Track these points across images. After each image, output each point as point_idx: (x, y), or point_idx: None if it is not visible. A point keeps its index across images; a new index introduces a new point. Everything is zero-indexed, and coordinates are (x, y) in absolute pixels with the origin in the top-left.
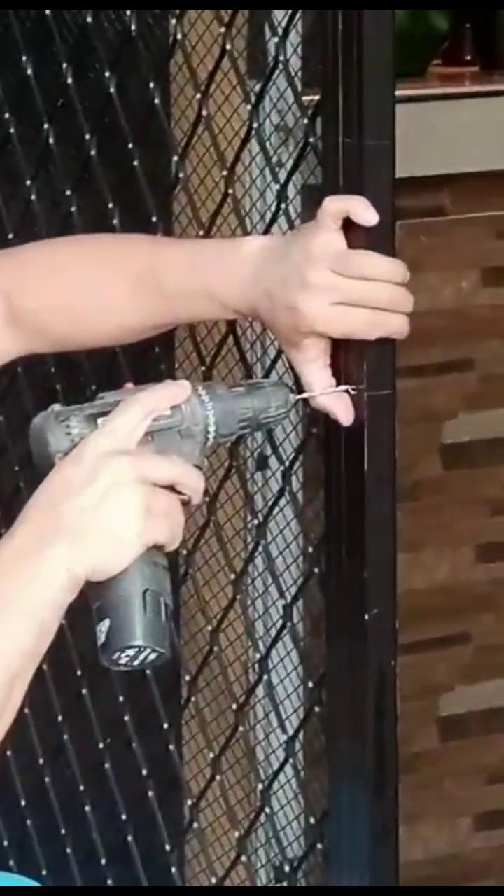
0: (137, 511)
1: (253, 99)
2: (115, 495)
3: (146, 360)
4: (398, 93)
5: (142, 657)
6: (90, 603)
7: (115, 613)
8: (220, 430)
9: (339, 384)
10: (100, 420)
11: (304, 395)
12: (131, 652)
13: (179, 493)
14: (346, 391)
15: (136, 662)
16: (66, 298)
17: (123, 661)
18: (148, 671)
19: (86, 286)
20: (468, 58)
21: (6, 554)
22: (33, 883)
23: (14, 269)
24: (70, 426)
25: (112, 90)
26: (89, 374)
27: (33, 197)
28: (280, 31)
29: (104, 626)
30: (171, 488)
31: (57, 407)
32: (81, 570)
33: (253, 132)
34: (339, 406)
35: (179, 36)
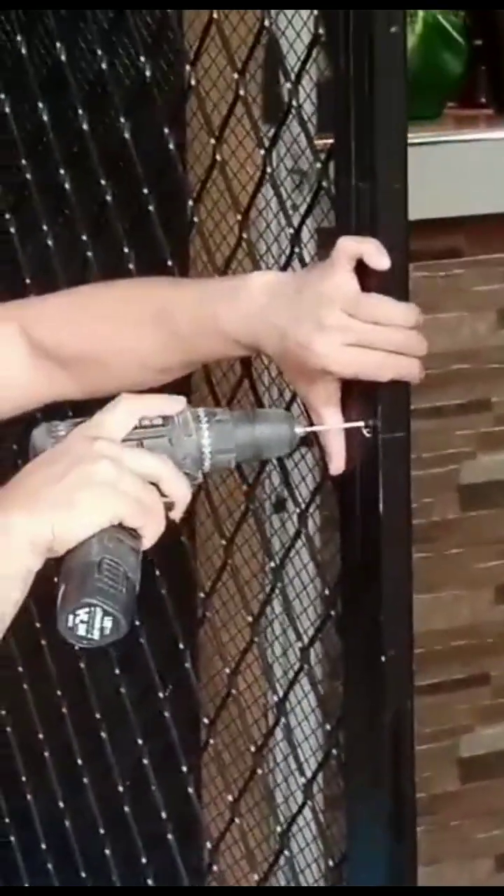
0: (101, 483)
1: (267, 143)
2: (81, 467)
3: None
4: (412, 136)
5: (97, 623)
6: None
7: (70, 577)
8: (216, 447)
9: (352, 429)
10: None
11: (311, 429)
12: (83, 615)
13: (164, 495)
14: (360, 428)
15: (94, 633)
16: (88, 340)
17: (79, 628)
18: (166, 713)
19: (106, 327)
20: (483, 100)
21: None
22: None
23: (38, 315)
24: (58, 430)
25: (127, 136)
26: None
27: (50, 242)
28: (293, 76)
29: (60, 591)
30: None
31: (54, 420)
32: (39, 533)
33: (267, 176)
34: (335, 448)
35: (194, 82)
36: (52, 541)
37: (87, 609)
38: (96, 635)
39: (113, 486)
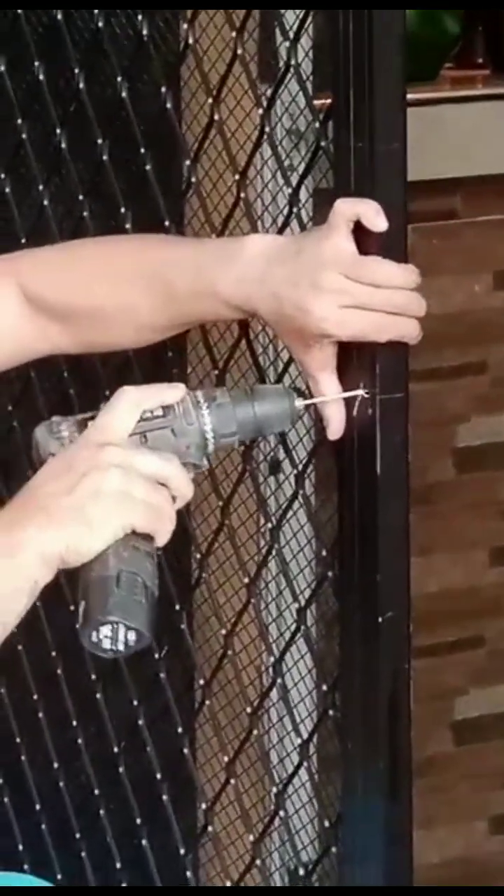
0: (112, 493)
1: (265, 103)
2: (91, 478)
3: (159, 365)
4: (410, 96)
5: (121, 637)
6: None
7: (89, 593)
8: (218, 431)
9: (350, 390)
10: (90, 423)
11: (311, 402)
12: (106, 630)
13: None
14: (360, 395)
15: (118, 645)
16: (84, 296)
17: (104, 642)
18: (162, 675)
19: (103, 285)
20: (480, 60)
21: None
22: (47, 884)
23: (33, 269)
24: (61, 430)
25: (124, 95)
26: (102, 379)
27: (46, 202)
28: (291, 34)
29: (81, 607)
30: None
31: (55, 418)
32: (54, 550)
33: (265, 136)
34: (335, 417)
35: (191, 40)
36: (65, 554)
37: (109, 626)
38: (121, 647)
39: (124, 495)
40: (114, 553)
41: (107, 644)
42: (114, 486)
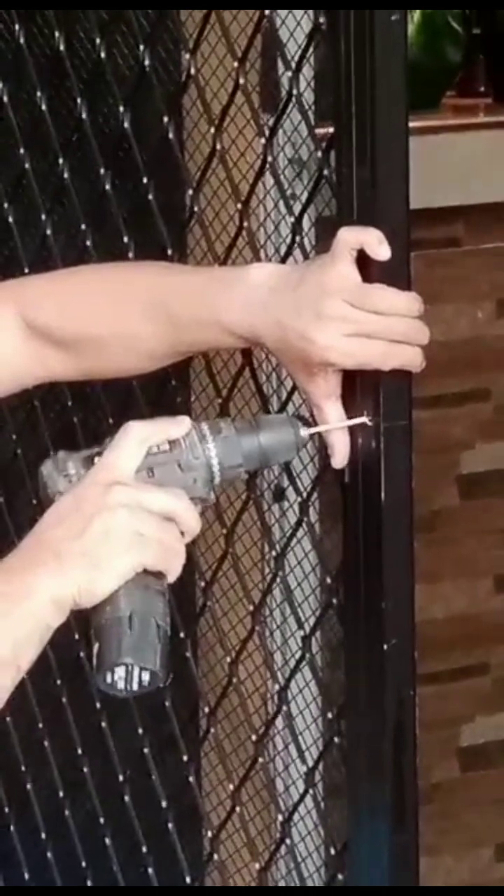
0: (122, 534)
1: (267, 132)
2: (101, 519)
3: (162, 394)
4: (412, 125)
5: (135, 678)
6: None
7: (102, 636)
8: (224, 463)
9: (354, 418)
10: (96, 459)
11: (315, 430)
12: (121, 672)
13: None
14: (364, 423)
15: (132, 685)
16: (84, 323)
17: (118, 683)
18: (167, 703)
19: (102, 311)
20: (482, 89)
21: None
22: None
23: (32, 295)
24: (68, 468)
25: (126, 125)
26: (106, 408)
27: (48, 231)
28: (293, 64)
29: (94, 649)
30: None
31: (61, 454)
32: (66, 594)
33: (267, 165)
34: (339, 445)
35: (193, 70)
36: (77, 597)
37: (123, 667)
38: (135, 688)
39: (134, 535)
40: (125, 593)
41: (121, 685)
42: (123, 527)
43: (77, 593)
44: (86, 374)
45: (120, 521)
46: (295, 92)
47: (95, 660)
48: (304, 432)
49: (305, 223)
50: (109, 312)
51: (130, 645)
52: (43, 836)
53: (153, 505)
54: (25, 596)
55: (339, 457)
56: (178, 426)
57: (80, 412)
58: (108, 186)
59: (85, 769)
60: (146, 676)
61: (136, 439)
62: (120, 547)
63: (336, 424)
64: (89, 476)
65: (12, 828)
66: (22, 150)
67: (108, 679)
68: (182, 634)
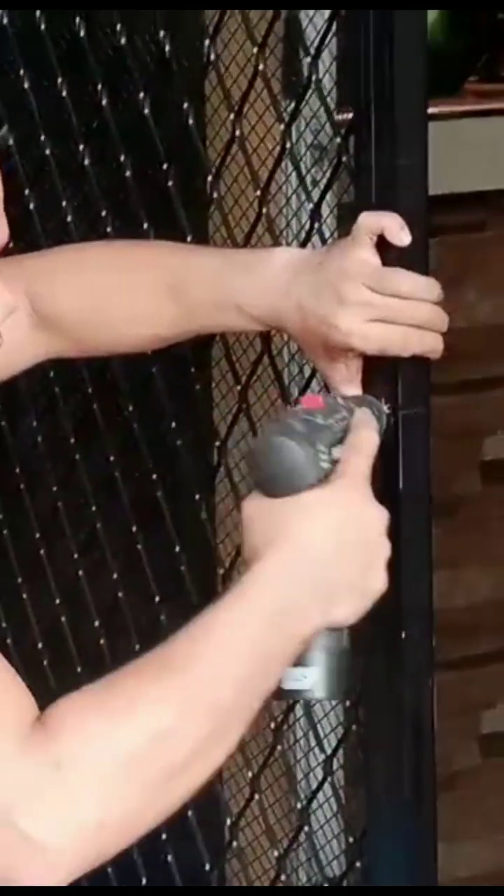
0: (383, 566)
1: (286, 118)
2: (371, 551)
3: (182, 379)
4: (434, 110)
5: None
6: None
7: (327, 665)
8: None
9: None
10: (333, 451)
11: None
12: (323, 700)
13: None
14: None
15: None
16: (94, 304)
17: (305, 699)
18: None
19: (113, 293)
20: (503, 74)
21: (274, 602)
22: None
23: (43, 272)
24: (318, 454)
25: (146, 111)
26: (126, 394)
27: (69, 218)
28: (313, 50)
29: (309, 672)
30: None
31: (296, 424)
32: (324, 624)
33: (287, 151)
34: None
35: (213, 57)
36: (328, 626)
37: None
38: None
39: (384, 569)
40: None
41: (307, 699)
42: (384, 560)
43: (332, 623)
44: (92, 351)
45: (383, 556)
46: (314, 78)
47: (309, 684)
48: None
49: (325, 209)
50: (123, 294)
51: (343, 686)
52: None
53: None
54: (294, 639)
55: None
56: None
57: (101, 399)
58: (128, 173)
59: None
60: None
61: (375, 450)
62: (382, 579)
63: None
64: (349, 489)
65: None
66: (43, 137)
67: (305, 699)
68: None
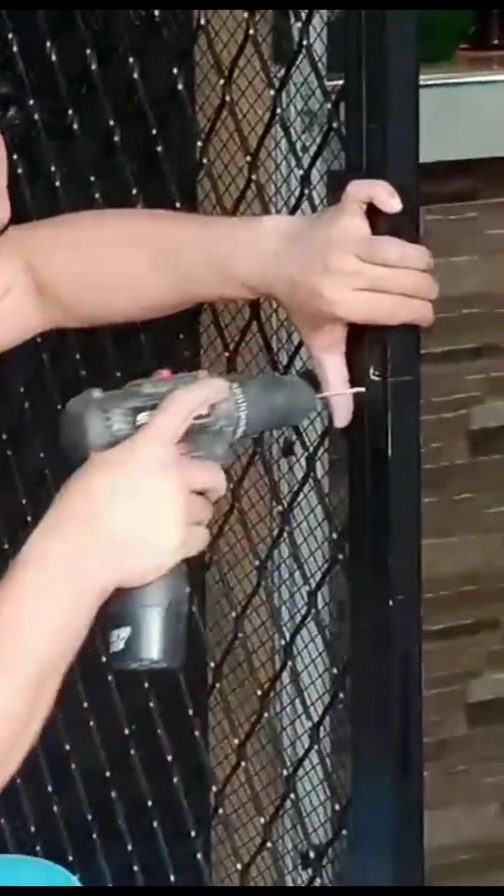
0: (178, 523)
1: (277, 84)
2: (158, 507)
3: (171, 346)
4: (425, 77)
5: (153, 665)
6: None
7: (136, 623)
8: (248, 430)
9: (361, 372)
10: (139, 416)
11: (324, 395)
12: (146, 662)
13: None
14: (369, 373)
15: (143, 668)
16: (89, 274)
17: (133, 666)
18: None
19: (108, 263)
20: (496, 42)
21: (43, 559)
22: (59, 868)
23: (39, 243)
24: (111, 419)
25: (135, 76)
26: (114, 361)
27: (57, 183)
28: (304, 15)
29: (122, 633)
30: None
31: (96, 393)
32: (113, 581)
33: (277, 117)
34: (341, 404)
35: (203, 21)
36: (122, 583)
37: (148, 662)
38: (145, 669)
39: (187, 523)
40: (164, 580)
41: (134, 666)
42: (179, 515)
43: (123, 580)
44: (87, 322)
45: (177, 510)
46: (305, 43)
47: (123, 644)
48: (316, 397)
49: (315, 176)
50: (118, 263)
51: (166, 645)
52: (49, 788)
53: (200, 485)
54: (80, 592)
55: (342, 416)
56: (219, 391)
57: (89, 365)
58: (116, 138)
59: (91, 723)
60: (163, 665)
61: (187, 411)
62: (177, 536)
63: (335, 376)
64: (140, 445)
65: (18, 780)
66: (31, 101)
67: (131, 666)
68: (188, 589)
